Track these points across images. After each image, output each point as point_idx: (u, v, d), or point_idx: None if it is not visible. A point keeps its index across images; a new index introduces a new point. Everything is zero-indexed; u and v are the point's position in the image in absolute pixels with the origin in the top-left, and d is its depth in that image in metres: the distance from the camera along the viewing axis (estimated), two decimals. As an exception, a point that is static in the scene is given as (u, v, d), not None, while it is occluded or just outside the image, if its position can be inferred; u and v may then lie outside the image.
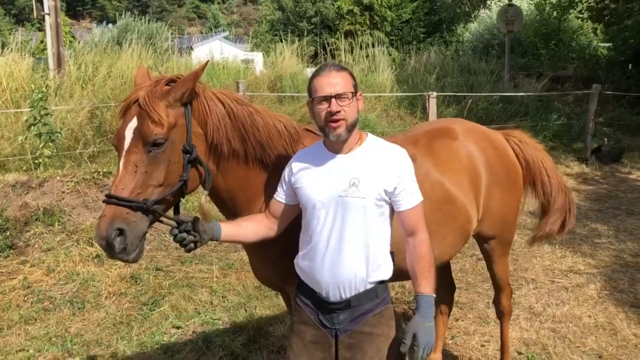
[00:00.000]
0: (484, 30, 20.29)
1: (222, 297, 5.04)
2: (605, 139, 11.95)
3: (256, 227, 2.35)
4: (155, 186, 2.15)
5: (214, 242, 6.32)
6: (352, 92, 2.15)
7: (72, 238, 5.90)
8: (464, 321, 4.65)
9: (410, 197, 2.21)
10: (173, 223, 2.18)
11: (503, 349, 3.69)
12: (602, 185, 9.66)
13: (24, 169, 7.41)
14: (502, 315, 3.65)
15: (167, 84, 2.22)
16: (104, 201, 2.11)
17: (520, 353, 4.10)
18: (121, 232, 2.06)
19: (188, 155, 2.21)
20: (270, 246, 2.50)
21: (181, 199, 2.33)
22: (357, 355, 2.25)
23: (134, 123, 2.15)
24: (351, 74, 2.22)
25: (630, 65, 16.14)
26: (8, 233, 5.79)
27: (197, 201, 6.62)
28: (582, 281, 5.43)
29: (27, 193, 6.37)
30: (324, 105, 2.13)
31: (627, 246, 6.44)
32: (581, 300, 4.99)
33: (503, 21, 14.59)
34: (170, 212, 2.28)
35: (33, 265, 5.45)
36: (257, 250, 2.62)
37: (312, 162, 2.26)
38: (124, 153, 2.15)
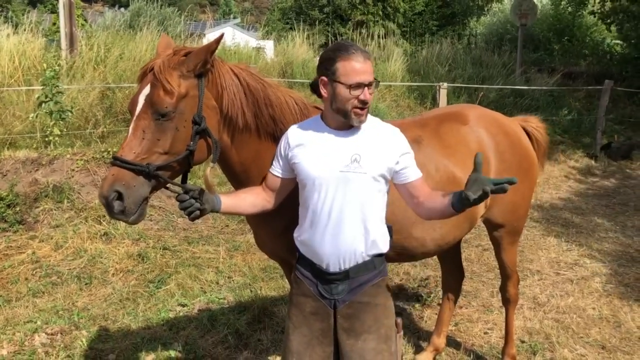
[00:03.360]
0: (496, 25, 20.16)
1: (228, 277, 5.08)
2: (616, 136, 11.88)
3: (254, 199, 2.39)
4: (161, 153, 2.20)
5: (220, 221, 6.37)
6: (376, 80, 2.21)
7: (81, 215, 5.95)
8: (468, 309, 4.67)
9: (415, 169, 2.31)
10: (179, 190, 2.20)
11: (507, 335, 3.70)
12: (610, 181, 9.61)
13: (34, 146, 7.46)
14: (508, 302, 3.65)
15: (184, 55, 2.25)
16: (109, 162, 2.15)
17: (523, 341, 4.12)
18: (120, 195, 2.11)
19: (197, 126, 2.24)
20: (277, 219, 2.55)
21: (189, 169, 2.36)
22: (356, 325, 2.30)
23: (147, 90, 2.20)
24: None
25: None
26: (18, 208, 5.84)
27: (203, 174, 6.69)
28: (588, 274, 5.43)
29: (37, 170, 6.41)
30: (357, 92, 2.14)
31: (633, 242, 6.43)
32: (586, 293, 4.99)
33: (516, 14, 14.46)
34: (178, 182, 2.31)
35: (42, 240, 5.50)
36: (264, 223, 2.66)
37: (311, 138, 2.28)
38: (134, 118, 2.20)
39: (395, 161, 2.24)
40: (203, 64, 2.25)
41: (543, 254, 5.97)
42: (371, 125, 2.29)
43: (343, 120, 2.21)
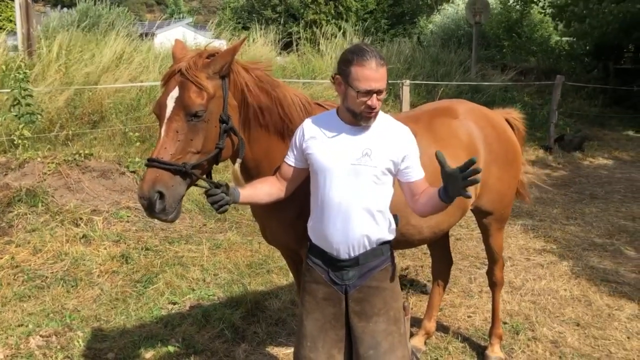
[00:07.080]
0: (446, 23, 20.68)
1: (214, 274, 5.14)
2: (568, 128, 12.42)
3: (269, 189, 2.51)
4: (194, 152, 2.29)
5: (198, 221, 6.40)
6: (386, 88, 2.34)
7: (57, 219, 5.87)
8: (450, 295, 4.88)
9: (419, 169, 2.44)
10: (207, 185, 2.30)
11: (494, 317, 3.90)
12: (565, 172, 10.10)
13: (-4, 151, 7.28)
14: (494, 285, 3.87)
15: (207, 57, 2.33)
16: (146, 164, 2.23)
17: (505, 323, 4.34)
18: (161, 195, 2.19)
19: (224, 124, 2.34)
20: (288, 210, 2.67)
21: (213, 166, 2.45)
22: (366, 308, 2.44)
23: (175, 92, 2.27)
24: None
25: (587, 58, 16.81)
26: (-10, 214, 5.73)
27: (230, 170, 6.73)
28: (555, 259, 5.75)
29: (6, 174, 6.29)
30: (365, 98, 2.27)
31: (593, 227, 6.82)
32: (556, 276, 5.29)
33: (471, 12, 14.91)
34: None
35: (19, 245, 5.41)
36: (275, 214, 2.77)
37: (326, 130, 2.42)
38: (165, 121, 2.26)
39: (401, 159, 2.39)
40: (228, 65, 2.35)
41: (512, 242, 6.26)
42: (383, 121, 2.44)
43: (362, 125, 2.36)
